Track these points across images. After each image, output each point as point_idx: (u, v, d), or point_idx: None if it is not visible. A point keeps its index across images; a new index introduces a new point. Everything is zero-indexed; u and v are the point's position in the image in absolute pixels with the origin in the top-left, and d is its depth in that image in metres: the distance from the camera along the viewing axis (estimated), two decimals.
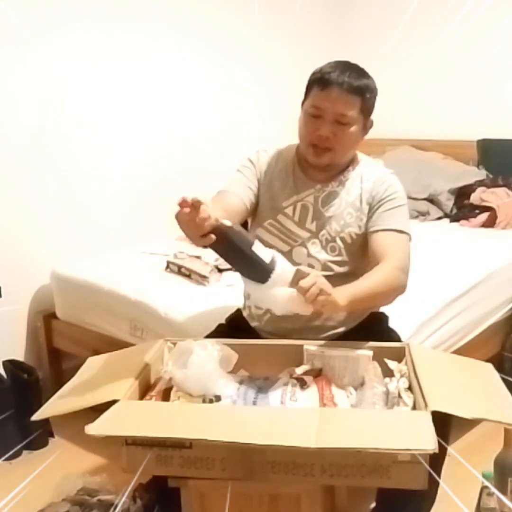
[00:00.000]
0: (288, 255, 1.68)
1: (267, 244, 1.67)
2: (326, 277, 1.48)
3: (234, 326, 1.84)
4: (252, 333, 1.78)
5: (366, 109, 1.68)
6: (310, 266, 1.70)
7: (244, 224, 1.81)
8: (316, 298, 1.39)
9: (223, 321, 1.91)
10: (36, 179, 2.70)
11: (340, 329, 1.77)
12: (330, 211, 1.73)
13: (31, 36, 2.55)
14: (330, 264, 1.72)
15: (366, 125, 1.72)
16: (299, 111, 1.75)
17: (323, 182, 1.76)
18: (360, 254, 1.74)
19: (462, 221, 3.22)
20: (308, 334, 1.70)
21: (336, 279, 1.58)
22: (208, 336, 1.78)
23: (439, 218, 3.37)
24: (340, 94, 1.62)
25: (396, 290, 1.64)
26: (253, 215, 1.81)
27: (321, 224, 1.73)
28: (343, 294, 1.48)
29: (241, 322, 1.85)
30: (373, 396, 1.38)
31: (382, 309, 1.90)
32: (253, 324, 1.82)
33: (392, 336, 1.78)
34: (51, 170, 2.75)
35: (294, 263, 1.62)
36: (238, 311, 1.91)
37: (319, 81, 1.66)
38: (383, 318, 1.87)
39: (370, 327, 1.79)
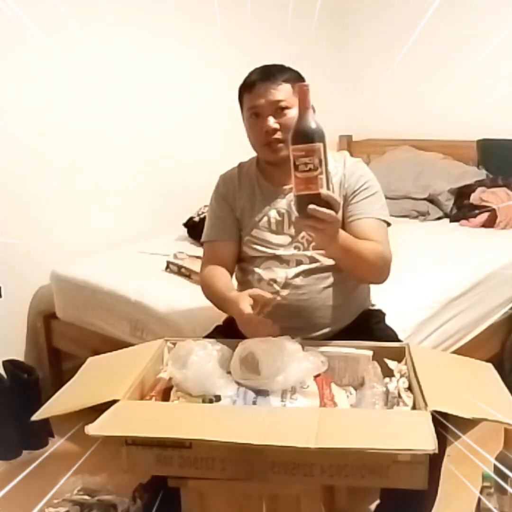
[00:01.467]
0: (274, 258, 1.76)
1: (251, 259, 1.80)
2: (316, 268, 1.71)
3: (231, 327, 1.83)
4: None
5: (294, 87, 1.69)
6: (298, 261, 1.74)
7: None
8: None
9: (220, 322, 1.90)
10: (36, 179, 2.71)
11: (334, 327, 1.77)
12: None
13: (38, 40, 2.55)
14: (316, 256, 1.75)
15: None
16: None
17: (290, 183, 1.73)
18: None
19: (462, 221, 3.22)
20: (307, 332, 1.71)
21: (325, 269, 1.73)
22: (206, 337, 1.78)
23: (439, 218, 3.37)
24: (268, 86, 1.70)
25: (379, 266, 1.66)
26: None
27: (299, 227, 1.71)
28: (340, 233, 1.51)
29: (236, 324, 1.84)
30: (373, 396, 1.38)
31: (380, 307, 1.90)
32: None
33: (388, 333, 1.78)
34: (51, 170, 2.75)
35: (282, 261, 1.75)
36: None
37: (245, 87, 1.75)
38: (379, 315, 1.88)
39: (367, 324, 1.80)
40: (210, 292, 1.78)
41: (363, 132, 3.91)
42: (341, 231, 1.52)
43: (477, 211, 3.20)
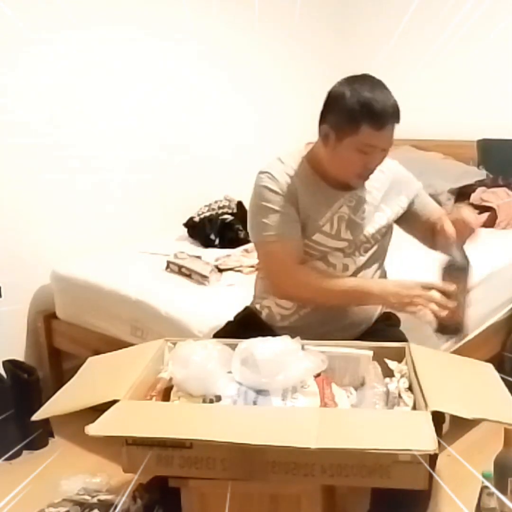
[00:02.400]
0: (323, 259, 1.72)
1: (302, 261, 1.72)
2: (360, 271, 1.73)
3: (244, 324, 1.81)
4: (265, 330, 1.72)
5: None
6: (345, 266, 1.73)
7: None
8: None
9: (224, 320, 1.90)
10: (36, 179, 2.70)
11: (362, 328, 1.79)
12: (361, 217, 1.74)
13: (37, 39, 2.56)
14: (361, 260, 1.76)
15: None
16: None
17: (348, 188, 1.73)
18: (387, 235, 1.82)
19: None
20: (336, 333, 1.70)
21: (369, 261, 1.76)
22: (216, 334, 1.79)
23: None
24: (393, 129, 1.60)
25: None
26: None
27: (356, 232, 1.74)
28: None
29: (252, 320, 1.82)
30: (373, 396, 1.38)
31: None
32: (277, 324, 1.77)
33: (398, 336, 1.79)
34: (51, 171, 2.75)
35: (329, 263, 1.72)
36: (247, 309, 1.89)
37: (372, 120, 1.56)
38: (394, 318, 1.89)
39: (379, 325, 1.82)
40: (338, 290, 1.67)
41: None
42: None
43: (477, 211, 3.20)
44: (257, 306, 1.85)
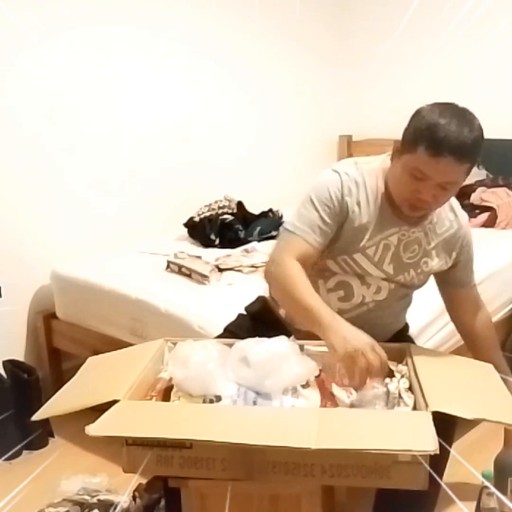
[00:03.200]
0: (360, 278, 1.66)
1: (333, 274, 1.66)
2: (392, 297, 1.68)
3: (258, 318, 1.77)
4: (278, 326, 1.67)
5: (473, 166, 1.53)
6: (378, 288, 1.67)
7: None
8: None
9: (224, 321, 1.88)
10: (36, 179, 2.71)
11: (381, 339, 1.68)
12: (409, 257, 1.67)
13: (36, 38, 2.56)
14: (396, 290, 1.71)
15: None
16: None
17: (410, 224, 1.64)
18: (425, 283, 1.77)
19: None
20: None
21: (399, 296, 1.72)
22: (228, 327, 1.80)
23: None
24: (452, 164, 1.46)
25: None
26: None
27: (399, 269, 1.66)
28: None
29: (267, 316, 1.77)
30: (373, 397, 1.38)
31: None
32: (297, 326, 1.66)
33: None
34: (51, 171, 2.75)
35: (364, 282, 1.65)
36: (260, 300, 1.83)
37: (429, 144, 1.46)
38: (405, 326, 1.88)
39: (396, 335, 1.79)
40: (298, 293, 1.54)
41: (363, 132, 3.90)
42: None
43: (477, 211, 3.20)
44: (274, 304, 1.77)
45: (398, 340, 1.73)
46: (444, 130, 1.45)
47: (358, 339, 1.41)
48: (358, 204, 1.60)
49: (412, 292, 1.79)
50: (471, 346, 1.81)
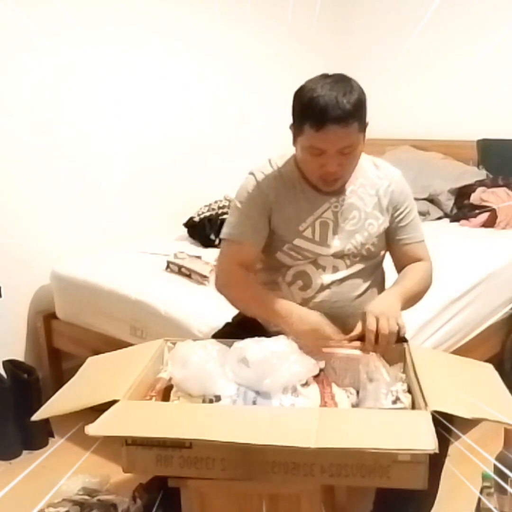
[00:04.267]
0: (313, 263, 1.70)
1: (288, 266, 1.71)
2: (352, 275, 1.69)
3: (242, 326, 1.79)
4: (262, 331, 1.71)
5: (363, 123, 1.58)
6: (335, 267, 1.70)
7: None
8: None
9: (224, 321, 1.90)
10: (36, 179, 2.71)
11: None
12: (352, 224, 1.70)
13: (36, 39, 2.57)
14: (354, 265, 1.73)
15: (365, 133, 1.63)
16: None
17: (337, 194, 1.69)
18: (381, 249, 1.78)
19: (462, 221, 3.22)
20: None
21: (360, 276, 1.72)
22: (215, 335, 1.79)
23: (439, 218, 3.37)
24: (337, 131, 1.50)
25: (428, 288, 1.76)
26: (267, 241, 1.73)
27: (345, 239, 1.70)
28: (396, 297, 1.59)
29: (249, 323, 1.80)
30: (375, 391, 1.38)
31: None
32: (272, 329, 1.70)
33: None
34: (51, 171, 2.75)
35: (319, 266, 1.69)
36: None
37: (311, 121, 1.51)
38: None
39: None
40: (255, 300, 1.67)
41: None
42: (393, 290, 1.65)
43: (477, 211, 3.21)
44: None
45: None
46: (322, 102, 1.49)
47: (311, 318, 1.55)
48: (279, 195, 1.68)
49: (376, 268, 1.78)
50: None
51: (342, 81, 1.56)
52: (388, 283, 1.84)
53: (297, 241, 1.69)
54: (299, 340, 1.49)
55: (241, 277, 1.69)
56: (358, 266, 1.72)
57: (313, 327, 1.53)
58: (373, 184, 1.73)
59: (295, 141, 1.63)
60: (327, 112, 1.48)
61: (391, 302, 1.58)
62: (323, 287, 1.69)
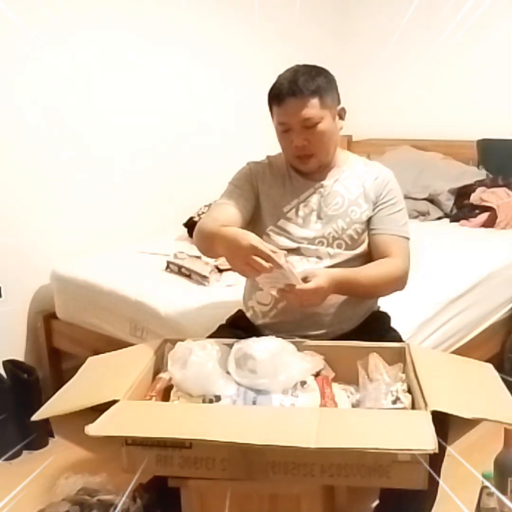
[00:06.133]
0: (295, 250, 1.75)
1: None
2: (336, 264, 1.72)
3: (236, 326, 1.83)
4: (254, 332, 1.76)
5: (328, 102, 1.70)
6: (318, 258, 1.74)
7: None
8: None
9: (223, 321, 1.91)
10: (35, 179, 2.70)
11: (345, 325, 1.77)
12: (333, 209, 1.77)
13: (37, 41, 2.57)
14: (338, 255, 1.76)
15: (337, 115, 1.76)
16: None
17: (321, 179, 1.79)
18: (363, 241, 1.79)
19: (462, 221, 3.22)
20: (315, 329, 1.72)
21: (345, 263, 1.74)
22: (209, 337, 1.79)
23: (439, 218, 3.36)
24: (295, 103, 1.66)
25: (393, 285, 1.75)
26: (254, 223, 1.81)
27: (327, 223, 1.76)
28: (328, 277, 1.61)
29: (243, 322, 1.85)
30: (375, 391, 1.38)
31: (384, 309, 1.90)
32: (258, 322, 1.81)
33: (393, 335, 1.78)
34: (50, 171, 2.75)
35: (302, 256, 1.75)
36: (239, 312, 1.91)
37: (273, 98, 1.71)
38: (385, 318, 1.88)
39: (372, 327, 1.80)
40: (202, 228, 1.71)
41: (363, 132, 3.91)
42: (333, 270, 1.66)
43: (477, 211, 3.20)
44: (244, 308, 1.88)
45: (376, 329, 1.77)
46: (283, 81, 1.69)
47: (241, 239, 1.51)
48: (267, 180, 1.81)
49: (361, 261, 1.78)
50: None
51: (309, 67, 1.72)
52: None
53: (281, 222, 1.78)
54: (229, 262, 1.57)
55: (208, 219, 1.74)
56: (342, 257, 1.75)
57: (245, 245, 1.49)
58: (360, 177, 1.80)
59: (274, 127, 1.77)
60: (286, 87, 1.67)
61: (328, 278, 1.61)
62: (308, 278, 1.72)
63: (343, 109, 1.77)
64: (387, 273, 1.72)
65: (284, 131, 1.72)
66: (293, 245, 1.76)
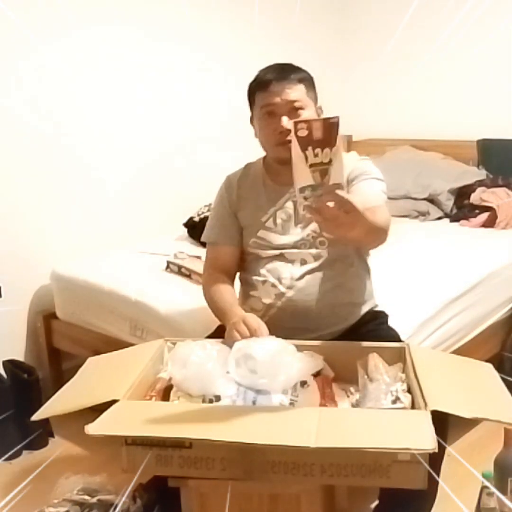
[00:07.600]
0: (279, 257, 1.76)
1: (255, 260, 1.81)
2: (321, 266, 1.73)
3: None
4: None
5: (311, 95, 1.74)
6: (303, 260, 1.75)
7: None
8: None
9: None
10: (36, 180, 2.70)
11: (340, 326, 1.77)
12: None
13: (37, 41, 2.57)
14: (321, 256, 1.76)
15: (317, 113, 1.76)
16: None
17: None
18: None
19: (462, 221, 3.22)
20: (312, 332, 1.71)
21: (330, 268, 1.74)
22: (209, 337, 1.79)
23: (439, 218, 3.36)
24: (284, 85, 1.69)
25: (384, 231, 1.58)
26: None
27: (306, 226, 1.76)
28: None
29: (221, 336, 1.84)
30: (375, 391, 1.38)
31: (384, 309, 1.90)
32: None
33: (391, 334, 1.78)
34: (50, 171, 2.75)
35: (287, 260, 1.76)
36: (218, 328, 1.89)
37: (258, 85, 1.74)
38: (382, 316, 1.87)
39: (369, 326, 1.80)
40: (212, 302, 1.81)
41: (363, 132, 3.91)
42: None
43: (477, 211, 3.20)
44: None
45: (373, 327, 1.77)
46: (267, 71, 1.74)
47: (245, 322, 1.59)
48: (243, 193, 1.84)
49: (346, 261, 1.77)
50: None
51: (291, 63, 1.77)
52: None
53: (261, 233, 1.80)
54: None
55: (212, 280, 1.82)
56: (326, 258, 1.75)
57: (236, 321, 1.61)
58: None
59: (253, 123, 1.81)
60: (269, 72, 1.73)
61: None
62: (293, 282, 1.74)
63: (320, 108, 1.79)
64: (387, 221, 1.61)
65: (268, 114, 1.72)
66: (276, 252, 1.78)
